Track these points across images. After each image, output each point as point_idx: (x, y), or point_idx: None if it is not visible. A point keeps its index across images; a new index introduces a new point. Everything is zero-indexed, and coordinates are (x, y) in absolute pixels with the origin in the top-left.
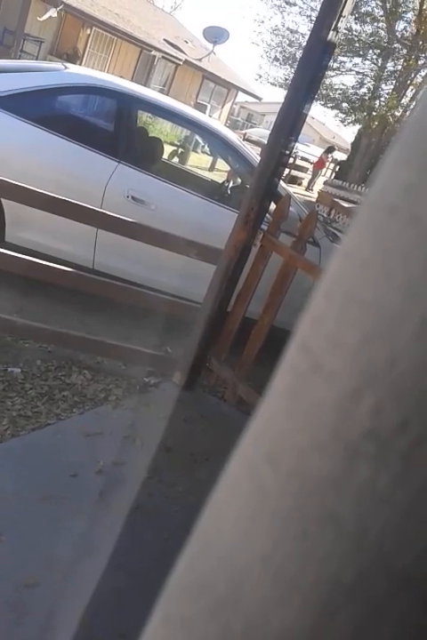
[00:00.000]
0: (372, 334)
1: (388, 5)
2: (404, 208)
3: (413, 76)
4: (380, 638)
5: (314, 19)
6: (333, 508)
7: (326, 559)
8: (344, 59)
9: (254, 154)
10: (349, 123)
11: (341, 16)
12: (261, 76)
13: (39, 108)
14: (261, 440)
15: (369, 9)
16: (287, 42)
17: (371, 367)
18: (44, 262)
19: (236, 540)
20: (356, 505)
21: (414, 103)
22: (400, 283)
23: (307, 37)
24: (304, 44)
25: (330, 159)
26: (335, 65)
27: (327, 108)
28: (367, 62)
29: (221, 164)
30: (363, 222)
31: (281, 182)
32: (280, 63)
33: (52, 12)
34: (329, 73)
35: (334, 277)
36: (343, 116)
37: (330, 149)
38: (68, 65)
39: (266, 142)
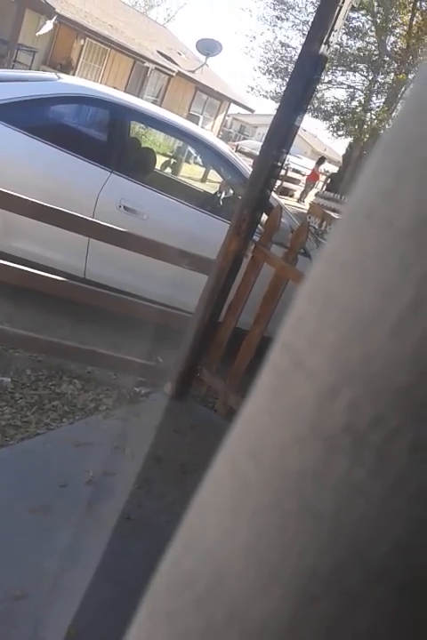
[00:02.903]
0: (349, 334)
1: (378, 21)
2: (381, 213)
3: (403, 89)
4: (356, 627)
5: (306, 32)
6: (311, 501)
7: (305, 551)
8: (336, 72)
9: (246, 165)
10: (340, 135)
11: (332, 30)
12: (252, 88)
13: (32, 117)
14: (245, 437)
15: (360, 24)
16: (279, 56)
17: (348, 365)
18: (35, 271)
19: (219, 535)
20: (333, 498)
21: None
22: (376, 285)
23: (298, 51)
24: (295, 58)
25: (322, 171)
26: (327, 78)
27: (319, 119)
28: (358, 76)
29: (214, 175)
30: (343, 227)
31: (273, 194)
32: (272, 76)
33: (49, 26)
34: (320, 86)
35: (315, 280)
36: (334, 128)
37: (321, 161)
38: (62, 75)
39: (258, 154)
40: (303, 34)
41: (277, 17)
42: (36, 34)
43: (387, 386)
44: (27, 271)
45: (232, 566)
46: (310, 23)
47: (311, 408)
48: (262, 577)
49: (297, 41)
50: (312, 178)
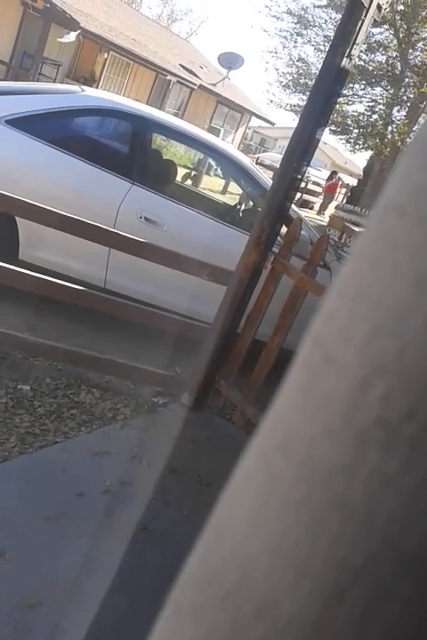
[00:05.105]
0: (381, 327)
1: (400, 35)
2: (413, 209)
3: (425, 103)
4: (387, 619)
5: (322, 48)
6: (342, 493)
7: (335, 543)
8: (356, 86)
9: (267, 177)
10: (360, 149)
11: (354, 44)
12: (272, 101)
13: (56, 129)
14: (275, 432)
15: (382, 38)
16: (297, 70)
17: (380, 358)
18: (56, 281)
19: (248, 529)
20: (365, 490)
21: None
22: (409, 279)
23: (318, 67)
24: (315, 73)
25: (340, 182)
26: (347, 93)
27: (336, 135)
28: (378, 89)
29: (234, 187)
30: (375, 224)
31: (293, 206)
32: (292, 91)
33: (72, 36)
34: (340, 100)
35: (346, 276)
36: (352, 143)
37: (332, 175)
38: (85, 88)
39: (278, 166)
40: (321, 50)
41: (297, 33)
42: (58, 39)
43: (420, 378)
44: (48, 280)
45: (261, 560)
46: (329, 39)
47: (342, 401)
48: (291, 571)
49: (317, 57)
50: (331, 190)
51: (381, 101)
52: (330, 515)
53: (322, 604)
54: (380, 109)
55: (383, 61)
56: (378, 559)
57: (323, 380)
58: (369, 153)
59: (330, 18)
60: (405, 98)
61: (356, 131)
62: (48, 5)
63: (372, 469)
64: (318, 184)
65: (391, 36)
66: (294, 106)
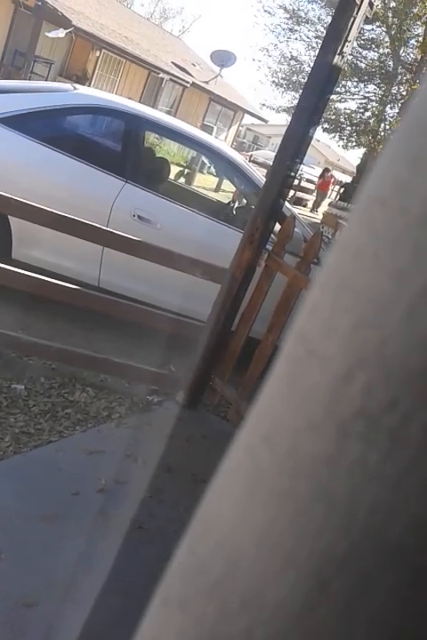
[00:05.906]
0: (363, 319)
1: (393, 32)
2: (395, 200)
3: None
4: (370, 607)
5: (314, 45)
6: (325, 484)
7: (319, 534)
8: (348, 83)
9: (260, 175)
10: (352, 146)
11: (346, 41)
12: (264, 105)
13: (48, 127)
14: (260, 424)
15: (374, 35)
16: (289, 68)
17: (362, 350)
18: (49, 280)
19: (234, 521)
20: (347, 481)
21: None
22: (390, 270)
23: (310, 65)
24: (307, 71)
25: (332, 179)
26: (340, 90)
27: (329, 133)
28: (371, 86)
29: (227, 185)
30: (358, 215)
31: (286, 203)
32: (284, 89)
33: (60, 33)
34: (333, 97)
35: (329, 268)
36: (345, 140)
37: (324, 172)
38: (77, 86)
39: (271, 164)
40: (313, 47)
41: (290, 29)
42: (46, 34)
43: (401, 369)
44: (41, 279)
45: (247, 551)
46: (322, 37)
47: (325, 393)
48: (276, 561)
49: (308, 55)
50: (323, 187)
51: (373, 99)
52: (314, 506)
53: (306, 595)
54: (373, 107)
55: (376, 58)
56: (361, 549)
57: (307, 372)
58: (362, 150)
59: (320, 19)
60: (398, 95)
61: (349, 128)
62: (39, 3)
63: (354, 461)
64: (311, 181)
65: (384, 33)
66: (287, 107)
